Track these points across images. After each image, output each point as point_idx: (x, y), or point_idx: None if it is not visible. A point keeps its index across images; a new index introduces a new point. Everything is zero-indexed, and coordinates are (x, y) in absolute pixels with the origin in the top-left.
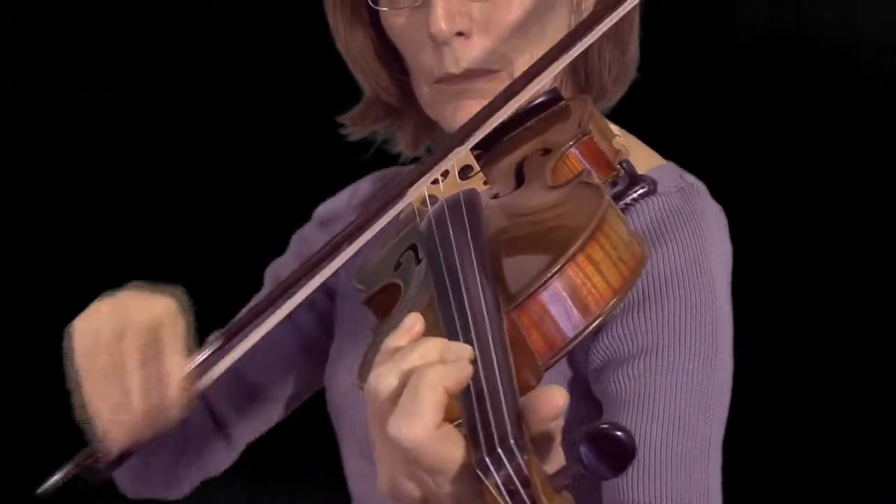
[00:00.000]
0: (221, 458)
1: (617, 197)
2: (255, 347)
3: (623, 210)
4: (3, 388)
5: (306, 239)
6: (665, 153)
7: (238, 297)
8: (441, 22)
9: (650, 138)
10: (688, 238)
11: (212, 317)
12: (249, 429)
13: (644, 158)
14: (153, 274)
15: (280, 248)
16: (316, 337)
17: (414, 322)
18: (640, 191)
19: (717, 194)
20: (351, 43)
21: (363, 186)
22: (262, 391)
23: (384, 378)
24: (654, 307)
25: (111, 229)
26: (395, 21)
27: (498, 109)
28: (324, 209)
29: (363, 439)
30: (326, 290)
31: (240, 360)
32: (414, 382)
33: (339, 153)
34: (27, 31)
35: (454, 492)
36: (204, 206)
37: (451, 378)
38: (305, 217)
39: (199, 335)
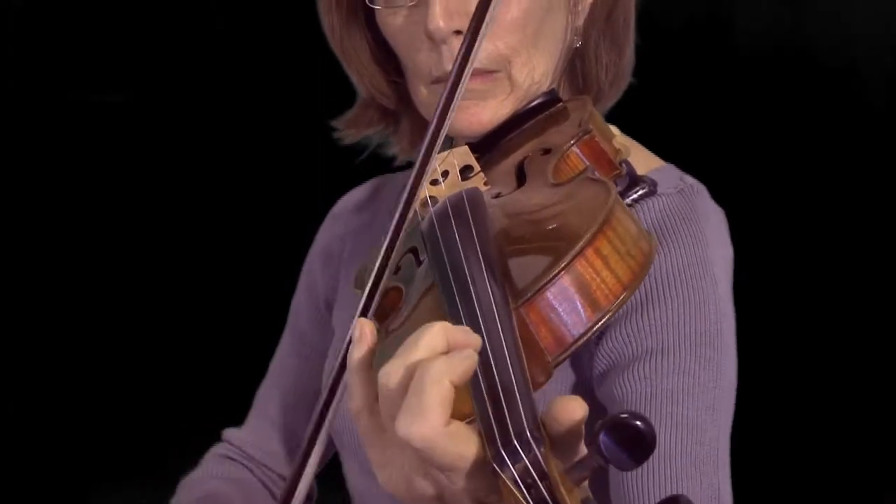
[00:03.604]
0: None
1: None
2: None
3: None
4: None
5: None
6: (665, 155)
7: (229, 291)
8: (439, 19)
9: (649, 140)
10: (689, 239)
11: (207, 312)
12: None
13: (643, 160)
14: (150, 272)
15: (271, 248)
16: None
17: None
18: (641, 192)
19: (717, 196)
20: (346, 44)
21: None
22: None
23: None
24: (658, 309)
25: (111, 229)
26: (392, 20)
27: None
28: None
29: (360, 449)
30: (326, 302)
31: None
32: (418, 378)
33: (333, 157)
34: (27, 31)
35: (470, 488)
36: (198, 205)
37: (455, 371)
38: (299, 219)
39: (194, 330)
